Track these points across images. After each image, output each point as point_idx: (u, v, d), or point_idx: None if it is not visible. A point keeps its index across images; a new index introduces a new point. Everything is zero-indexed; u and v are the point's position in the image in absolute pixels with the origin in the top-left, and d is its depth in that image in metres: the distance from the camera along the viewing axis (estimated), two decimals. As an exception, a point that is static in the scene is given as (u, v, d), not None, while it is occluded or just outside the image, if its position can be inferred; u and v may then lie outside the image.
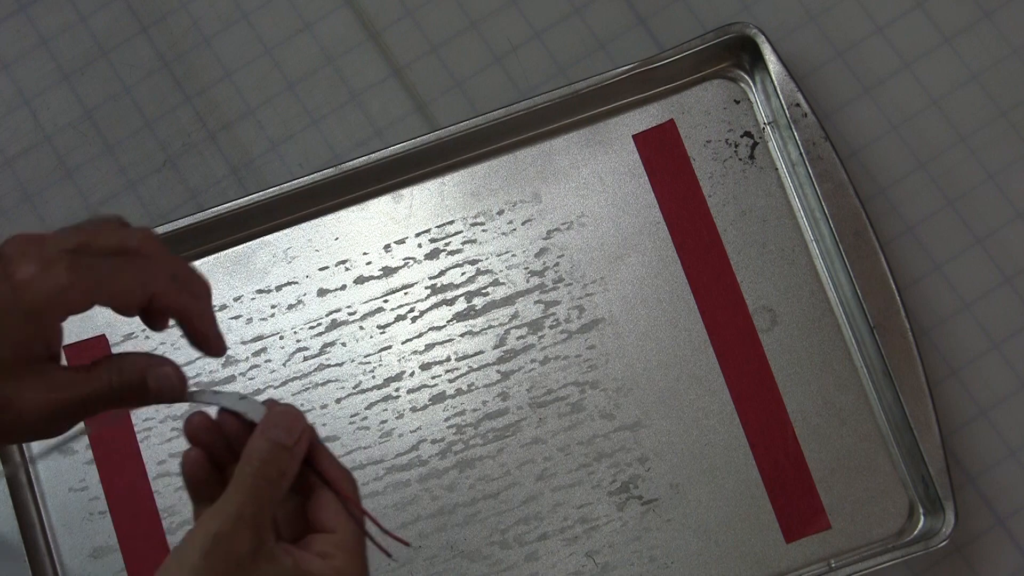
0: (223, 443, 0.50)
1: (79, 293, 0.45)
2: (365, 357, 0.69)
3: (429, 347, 0.69)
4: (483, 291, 0.70)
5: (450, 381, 0.69)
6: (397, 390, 0.69)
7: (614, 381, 0.68)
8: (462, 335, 0.69)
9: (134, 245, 0.48)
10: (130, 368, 0.48)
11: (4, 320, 0.45)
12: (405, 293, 0.70)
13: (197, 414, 0.50)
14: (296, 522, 0.49)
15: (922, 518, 0.66)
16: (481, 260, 0.70)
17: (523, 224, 0.71)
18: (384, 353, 0.69)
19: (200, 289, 0.49)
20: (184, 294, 0.48)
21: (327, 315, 0.70)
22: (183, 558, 0.45)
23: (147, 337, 0.69)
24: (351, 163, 0.70)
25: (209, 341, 0.50)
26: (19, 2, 0.76)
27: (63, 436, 0.51)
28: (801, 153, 0.69)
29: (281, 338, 0.70)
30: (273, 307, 0.70)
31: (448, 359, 0.69)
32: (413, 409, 0.69)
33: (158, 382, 0.48)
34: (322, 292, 0.70)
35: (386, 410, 0.69)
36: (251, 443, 0.48)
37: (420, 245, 0.71)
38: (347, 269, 0.70)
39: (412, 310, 0.70)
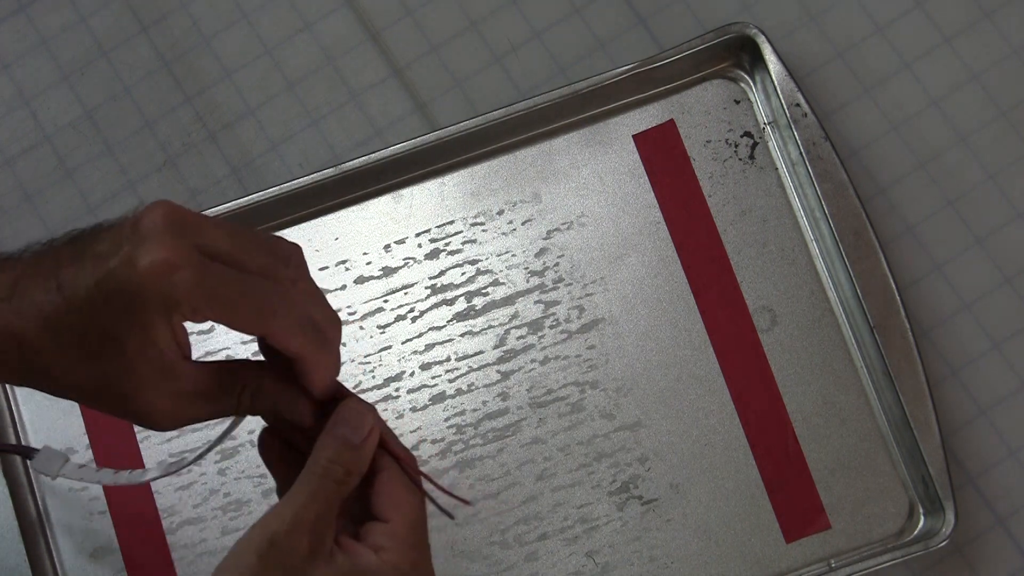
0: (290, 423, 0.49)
1: (194, 304, 0.43)
2: (365, 357, 0.69)
3: (429, 347, 0.69)
4: (483, 291, 0.70)
5: (450, 381, 0.69)
6: (397, 390, 0.69)
7: (614, 381, 0.68)
8: (462, 335, 0.69)
9: (281, 275, 0.46)
10: (266, 398, 0.47)
11: (119, 311, 0.43)
12: (405, 293, 0.70)
13: None
14: (363, 504, 0.49)
15: (922, 518, 0.66)
16: (481, 260, 0.70)
17: (523, 224, 0.71)
18: (384, 353, 0.69)
19: (332, 337, 0.47)
20: (306, 340, 0.46)
21: (327, 315, 0.70)
22: (240, 556, 0.45)
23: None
24: (351, 163, 0.70)
25: (314, 391, 0.48)
26: (19, 2, 0.76)
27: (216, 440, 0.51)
28: (801, 153, 0.69)
29: (281, 338, 0.69)
30: (273, 307, 0.70)
31: (448, 359, 0.69)
32: (413, 409, 0.68)
33: (292, 417, 0.47)
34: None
35: (386, 410, 0.68)
36: (319, 441, 0.47)
37: (420, 245, 0.71)
38: (347, 269, 0.70)
39: (412, 310, 0.70)
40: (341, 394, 0.49)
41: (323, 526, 0.45)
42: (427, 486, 0.49)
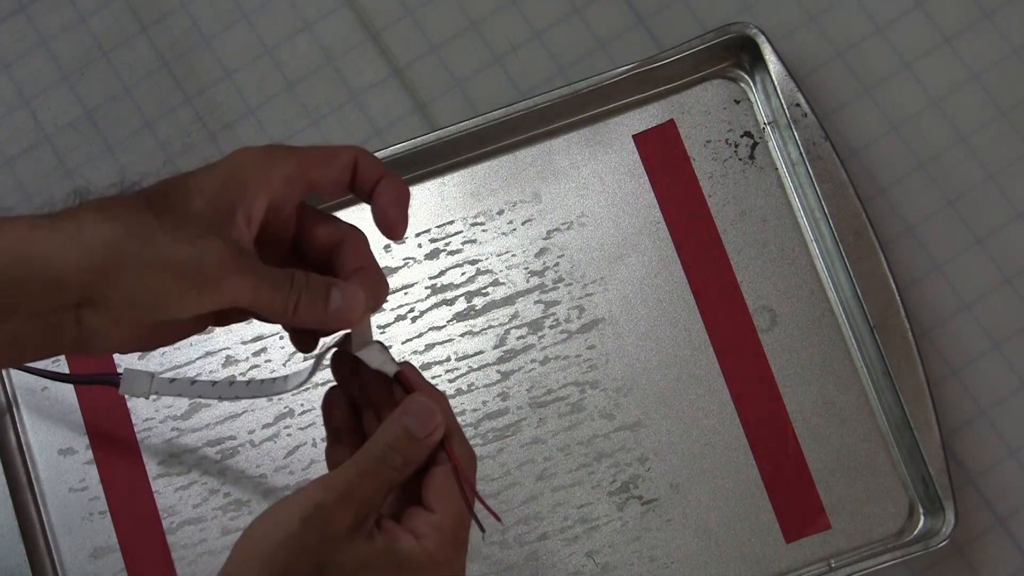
0: (358, 384, 0.51)
1: (289, 153, 0.47)
2: (365, 357, 0.69)
3: (429, 347, 0.69)
4: (483, 291, 0.70)
5: (450, 381, 0.69)
6: (397, 390, 0.69)
7: (614, 381, 0.68)
8: (462, 335, 0.69)
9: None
10: (319, 281, 0.48)
11: (207, 173, 0.46)
12: (405, 293, 0.70)
13: (342, 354, 0.51)
14: (408, 490, 0.49)
15: (922, 518, 0.66)
16: (481, 260, 0.70)
17: (523, 224, 0.71)
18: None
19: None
20: (384, 169, 0.50)
21: (327, 315, 0.70)
22: (282, 515, 0.45)
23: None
24: (351, 163, 0.70)
25: (397, 222, 0.50)
26: (19, 2, 0.76)
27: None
28: (801, 153, 0.69)
29: (281, 338, 0.70)
30: (273, 307, 0.70)
31: (448, 359, 0.69)
32: (413, 409, 0.68)
33: (340, 300, 0.48)
34: (322, 292, 0.70)
35: (386, 410, 0.68)
36: (385, 424, 0.48)
37: (420, 245, 0.71)
38: (347, 269, 0.70)
39: (412, 310, 0.70)
40: (416, 385, 0.50)
41: (369, 505, 0.46)
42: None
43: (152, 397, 0.64)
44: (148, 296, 0.44)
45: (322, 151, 0.49)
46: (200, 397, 0.65)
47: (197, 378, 0.68)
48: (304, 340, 0.51)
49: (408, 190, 0.51)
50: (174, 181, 0.46)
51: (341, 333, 0.51)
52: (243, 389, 0.60)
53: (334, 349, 0.52)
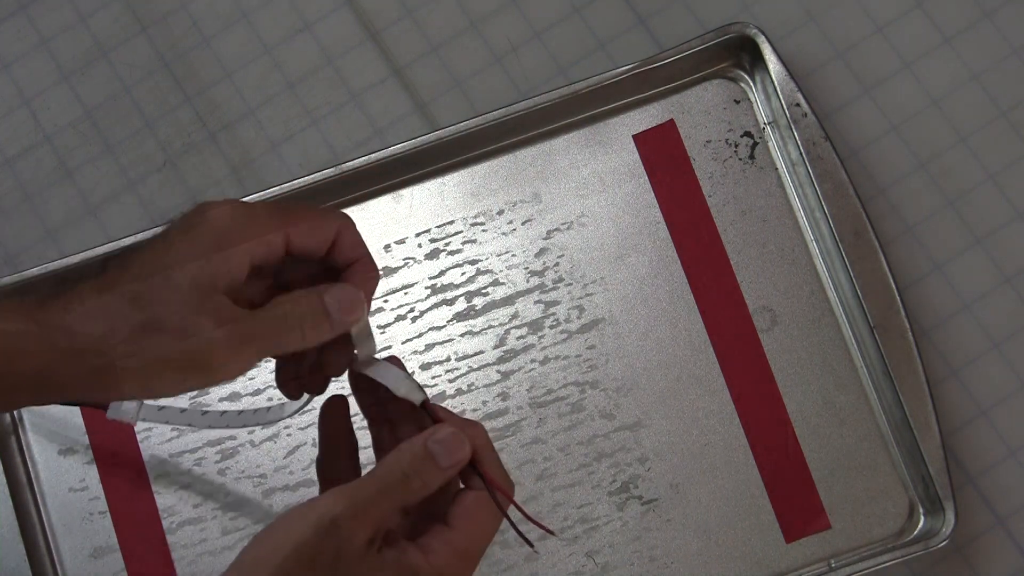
0: (374, 399, 0.52)
1: (271, 221, 0.47)
2: (365, 357, 0.69)
3: (429, 347, 0.69)
4: (483, 291, 0.70)
5: (450, 381, 0.69)
6: (397, 390, 0.69)
7: (614, 381, 0.68)
8: (462, 335, 0.69)
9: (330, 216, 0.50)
10: (307, 296, 0.48)
11: (189, 246, 0.46)
12: (405, 293, 0.70)
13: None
14: (426, 506, 0.49)
15: (922, 518, 0.66)
16: (481, 260, 0.70)
17: (523, 224, 0.71)
18: (384, 353, 0.69)
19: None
20: (364, 249, 0.50)
21: (327, 315, 0.70)
22: (294, 527, 0.45)
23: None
24: (351, 163, 0.70)
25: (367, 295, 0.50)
26: (19, 2, 0.76)
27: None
28: (801, 153, 0.69)
29: (281, 338, 0.69)
30: (273, 307, 0.70)
31: (448, 359, 0.69)
32: (413, 409, 0.68)
33: (335, 300, 0.48)
34: (322, 292, 0.70)
35: (386, 410, 0.68)
36: (409, 444, 0.48)
37: (420, 245, 0.71)
38: (347, 269, 0.70)
39: (412, 310, 0.70)
40: (438, 416, 0.50)
41: (383, 522, 0.47)
42: (515, 516, 0.50)
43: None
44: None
45: (307, 218, 0.49)
46: (189, 425, 0.65)
47: (185, 408, 0.68)
48: (289, 385, 0.52)
49: (379, 276, 0.51)
50: (153, 258, 0.46)
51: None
52: (234, 419, 0.60)
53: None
